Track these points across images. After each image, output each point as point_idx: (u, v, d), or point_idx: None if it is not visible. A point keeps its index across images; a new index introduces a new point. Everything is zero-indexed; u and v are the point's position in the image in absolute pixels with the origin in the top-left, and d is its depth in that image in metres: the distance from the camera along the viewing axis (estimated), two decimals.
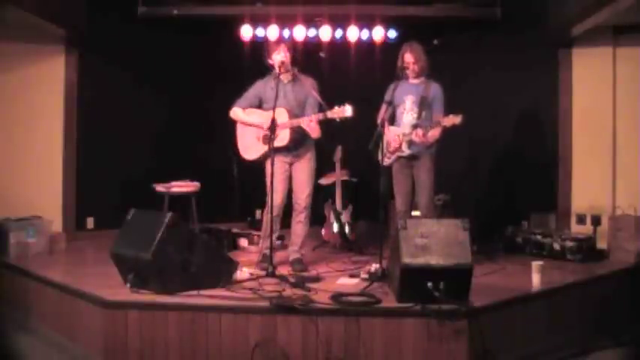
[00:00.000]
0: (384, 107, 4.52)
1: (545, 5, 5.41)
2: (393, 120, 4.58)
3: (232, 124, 4.59)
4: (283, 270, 4.23)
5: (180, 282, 3.55)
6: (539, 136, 5.73)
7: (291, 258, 4.49)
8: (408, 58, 4.45)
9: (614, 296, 4.36)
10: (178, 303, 3.41)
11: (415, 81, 4.51)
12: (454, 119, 4.13)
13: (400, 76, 4.43)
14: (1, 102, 5.52)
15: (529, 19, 5.53)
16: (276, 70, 4.36)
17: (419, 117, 4.44)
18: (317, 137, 4.37)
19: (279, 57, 4.33)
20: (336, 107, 4.09)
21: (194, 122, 6.31)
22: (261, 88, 4.49)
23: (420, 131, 4.31)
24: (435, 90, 4.48)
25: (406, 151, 4.44)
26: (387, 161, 4.52)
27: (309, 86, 4.37)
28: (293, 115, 4.31)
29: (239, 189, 5.91)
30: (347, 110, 4.06)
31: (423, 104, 4.44)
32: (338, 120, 4.10)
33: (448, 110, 4.42)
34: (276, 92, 4.13)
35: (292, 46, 4.52)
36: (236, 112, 4.52)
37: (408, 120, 4.47)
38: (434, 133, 4.32)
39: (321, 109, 4.21)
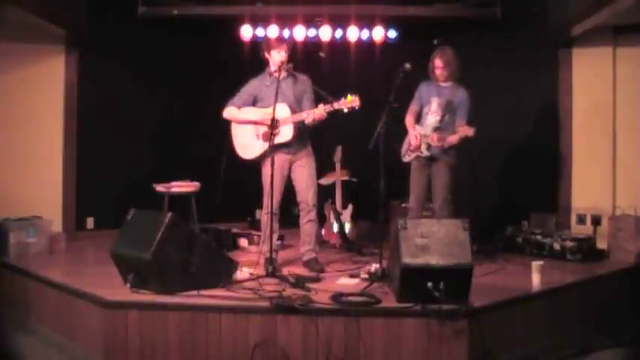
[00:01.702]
0: (411, 106, 4.63)
1: (545, 5, 5.42)
2: (419, 118, 4.65)
3: (227, 123, 4.52)
4: (287, 270, 4.23)
5: (180, 282, 3.54)
6: (539, 135, 5.73)
7: (306, 258, 4.42)
8: (438, 62, 4.52)
9: (614, 296, 4.36)
10: (178, 303, 3.41)
11: (444, 84, 4.57)
12: (467, 131, 4.23)
13: (430, 77, 4.57)
14: (1, 102, 5.52)
15: (529, 19, 5.54)
16: (274, 67, 4.33)
17: (441, 120, 4.51)
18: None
19: (279, 56, 4.29)
20: (343, 98, 4.09)
21: (194, 122, 6.32)
22: (256, 86, 4.43)
23: (435, 136, 4.40)
24: (462, 96, 4.53)
25: (425, 152, 4.53)
26: (407, 158, 4.62)
27: (305, 83, 4.39)
28: (292, 111, 4.28)
29: (226, 190, 5.90)
30: (355, 101, 4.07)
31: (448, 108, 4.51)
32: (346, 111, 4.09)
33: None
34: (277, 90, 4.07)
35: (291, 45, 4.49)
36: (231, 112, 4.43)
37: (431, 122, 4.55)
38: (450, 140, 4.38)
39: (326, 102, 4.17)
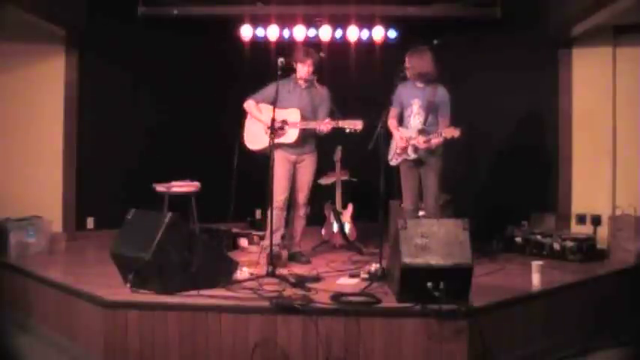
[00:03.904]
0: (392, 109, 4.58)
1: (545, 5, 5.42)
2: (400, 121, 4.61)
3: (238, 118, 4.80)
4: (287, 270, 4.25)
5: (180, 282, 3.54)
6: (539, 136, 5.73)
7: (292, 251, 4.75)
8: (412, 63, 4.43)
9: (614, 296, 4.36)
10: (178, 303, 3.41)
11: (421, 85, 4.52)
12: (453, 132, 4.19)
13: (407, 78, 4.47)
14: (1, 102, 5.52)
15: (529, 19, 5.54)
16: (298, 76, 4.62)
17: (425, 121, 4.47)
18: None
19: (303, 70, 4.58)
20: (348, 119, 4.40)
21: (194, 122, 6.31)
22: (279, 88, 4.55)
23: (421, 139, 4.37)
24: (442, 94, 4.49)
25: (412, 155, 4.48)
26: (394, 162, 4.59)
27: (324, 95, 4.69)
28: (305, 117, 4.57)
29: (237, 182, 5.91)
30: (358, 124, 4.37)
31: (430, 109, 4.46)
32: (347, 131, 4.40)
33: (452, 113, 4.46)
34: (276, 93, 4.31)
35: (317, 61, 4.66)
36: (250, 105, 4.73)
37: (415, 124, 4.51)
38: (436, 142, 4.35)
39: (333, 117, 4.52)
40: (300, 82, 4.64)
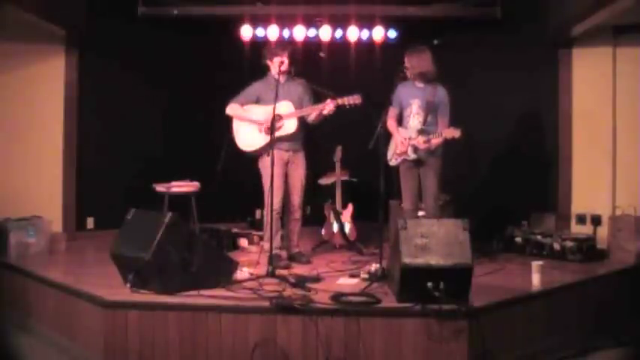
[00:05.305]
0: (391, 109, 4.56)
1: (545, 5, 5.42)
2: (400, 121, 4.61)
3: (228, 122, 4.72)
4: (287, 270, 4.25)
5: (180, 282, 3.54)
6: (539, 136, 5.73)
7: (293, 251, 4.74)
8: (412, 62, 4.43)
9: (614, 296, 4.36)
10: (178, 303, 3.41)
11: (421, 84, 4.51)
12: (454, 132, 4.19)
13: (407, 78, 4.47)
14: (1, 102, 5.52)
15: (529, 19, 5.54)
16: (275, 71, 4.56)
17: (424, 121, 4.46)
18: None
19: (283, 64, 4.52)
20: (347, 96, 4.40)
21: (194, 122, 6.32)
22: (259, 88, 4.65)
23: (421, 139, 4.36)
24: (441, 94, 4.48)
25: (411, 155, 4.48)
26: (393, 162, 4.58)
27: (304, 85, 4.67)
28: (296, 108, 4.54)
29: (226, 190, 5.91)
30: (357, 98, 4.37)
31: (429, 109, 4.45)
32: (348, 106, 4.40)
33: (452, 113, 4.45)
34: (276, 90, 4.28)
35: (292, 51, 4.66)
36: (234, 108, 4.68)
37: (414, 124, 4.50)
38: (436, 142, 4.36)
39: (332, 99, 4.47)
40: (279, 76, 4.56)
